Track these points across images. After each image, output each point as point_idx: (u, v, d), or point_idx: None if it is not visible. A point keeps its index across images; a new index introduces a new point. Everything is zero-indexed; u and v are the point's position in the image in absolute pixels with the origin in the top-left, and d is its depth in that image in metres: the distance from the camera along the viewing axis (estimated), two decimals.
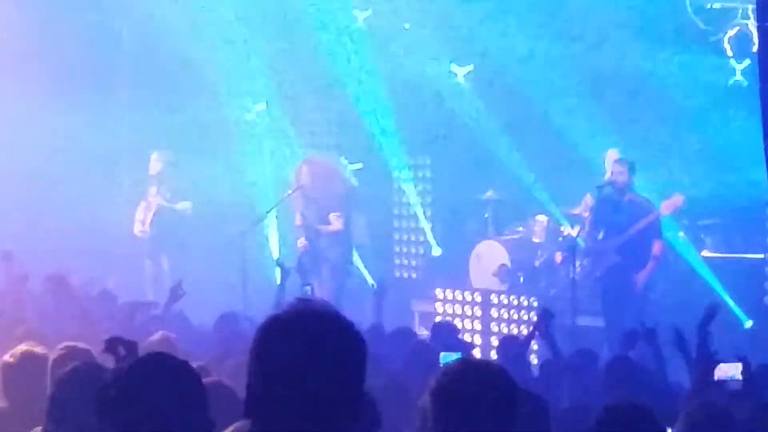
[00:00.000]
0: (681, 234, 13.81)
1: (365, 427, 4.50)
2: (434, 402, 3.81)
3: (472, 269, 15.04)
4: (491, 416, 3.76)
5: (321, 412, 2.81)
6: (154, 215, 15.12)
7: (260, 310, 9.36)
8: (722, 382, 6.84)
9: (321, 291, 13.17)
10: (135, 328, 8.94)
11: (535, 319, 11.81)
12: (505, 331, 13.94)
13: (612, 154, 13.62)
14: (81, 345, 6.11)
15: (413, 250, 16.84)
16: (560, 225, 14.67)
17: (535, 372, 8.89)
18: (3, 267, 10.96)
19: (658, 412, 4.65)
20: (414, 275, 16.69)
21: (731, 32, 14.43)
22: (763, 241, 13.80)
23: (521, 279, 14.76)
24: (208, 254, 14.58)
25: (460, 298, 14.77)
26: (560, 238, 14.56)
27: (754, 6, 12.39)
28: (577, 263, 12.91)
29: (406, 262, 16.87)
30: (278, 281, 11.52)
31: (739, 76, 14.35)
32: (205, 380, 3.79)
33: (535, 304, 13.81)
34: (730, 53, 14.46)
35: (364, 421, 2.95)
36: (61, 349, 5.96)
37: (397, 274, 16.49)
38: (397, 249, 16.96)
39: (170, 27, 15.54)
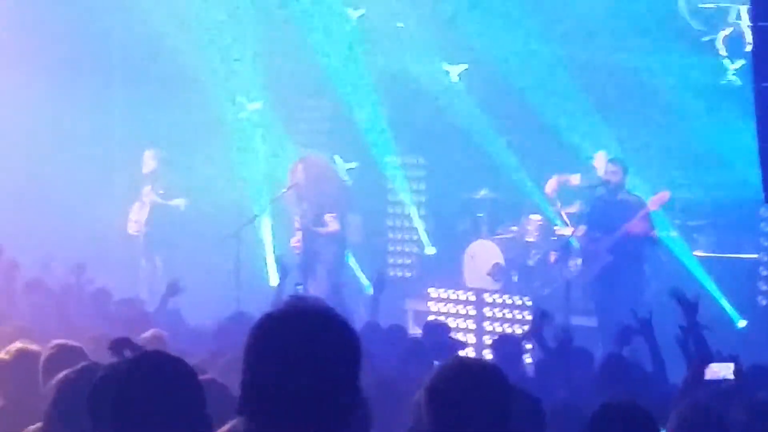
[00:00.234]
0: (674, 233, 13.83)
1: (357, 425, 4.50)
2: (429, 401, 3.82)
3: (466, 268, 15.04)
4: (485, 415, 3.77)
5: (315, 409, 2.81)
6: (148, 213, 15.11)
7: (253, 308, 9.36)
8: (713, 382, 6.84)
9: (316, 290, 13.15)
10: (127, 326, 8.91)
11: (529, 318, 11.84)
12: (498, 330, 13.96)
13: (601, 156, 13.69)
14: (72, 343, 6.10)
15: (407, 249, 16.83)
16: (554, 224, 14.68)
17: (530, 371, 8.90)
18: None
19: (653, 410, 4.66)
20: (408, 274, 16.68)
21: (725, 32, 14.45)
22: (755, 240, 13.83)
23: (515, 278, 14.76)
24: (201, 253, 14.58)
25: (453, 297, 14.79)
26: (554, 238, 14.57)
27: (748, 6, 12.42)
28: (571, 263, 12.94)
29: (399, 261, 16.86)
30: (276, 280, 11.50)
31: (732, 76, 14.36)
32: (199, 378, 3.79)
33: (529, 303, 13.83)
34: (723, 53, 14.47)
35: (356, 419, 2.95)
36: (52, 347, 5.95)
37: (391, 273, 16.48)
38: (391, 248, 16.96)
39: (163, 26, 15.54)
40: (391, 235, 16.96)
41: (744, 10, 13.98)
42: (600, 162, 13.74)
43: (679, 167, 14.39)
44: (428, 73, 15.86)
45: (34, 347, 6.28)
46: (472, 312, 14.57)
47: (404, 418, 4.78)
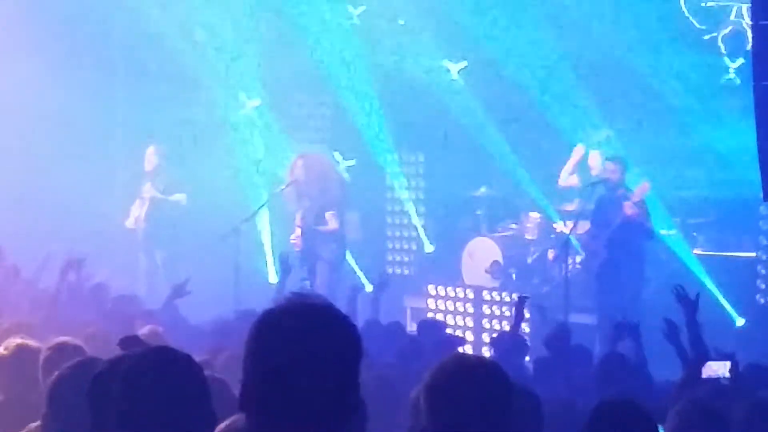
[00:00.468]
0: (673, 231, 13.83)
1: (354, 422, 4.50)
2: (428, 398, 3.81)
3: (465, 266, 15.04)
4: (485, 412, 3.76)
5: (316, 406, 2.81)
6: (148, 209, 15.10)
7: (251, 305, 9.36)
8: (710, 380, 6.84)
9: (316, 287, 13.15)
10: (125, 323, 8.91)
11: (527, 317, 11.86)
12: (497, 327, 13.96)
13: (596, 155, 13.71)
14: (72, 341, 6.09)
15: (406, 247, 16.84)
16: (553, 222, 14.68)
17: (529, 368, 8.90)
18: None
19: (652, 408, 4.66)
20: (406, 272, 16.68)
21: (725, 31, 14.45)
22: (755, 239, 13.83)
23: (514, 276, 14.76)
24: (201, 249, 14.56)
25: (452, 294, 14.79)
26: (553, 235, 14.57)
27: (748, 5, 12.42)
28: (570, 260, 12.96)
29: (398, 258, 16.87)
30: (275, 276, 11.48)
31: (732, 75, 14.36)
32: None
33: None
34: (724, 52, 14.47)
35: (354, 417, 2.95)
36: (53, 346, 5.94)
37: (390, 271, 16.48)
38: (390, 245, 16.96)
39: (164, 22, 15.53)
40: (389, 233, 16.96)
41: (745, 8, 13.98)
42: (594, 161, 13.76)
43: (679, 165, 14.39)
44: (428, 71, 15.86)
45: (32, 343, 6.27)
46: (471, 309, 14.57)
47: (402, 416, 4.77)
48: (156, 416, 3.34)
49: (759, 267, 13.65)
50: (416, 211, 16.47)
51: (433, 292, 14.94)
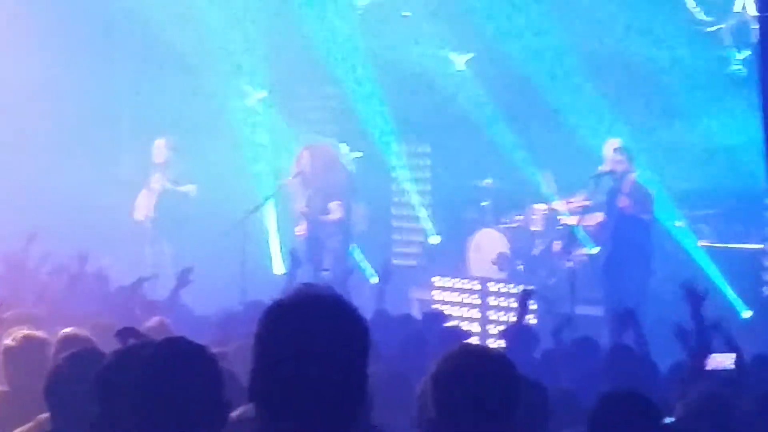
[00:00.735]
0: (680, 223, 13.82)
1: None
2: (435, 388, 3.82)
3: (471, 257, 15.04)
4: (491, 403, 3.77)
5: (324, 396, 2.82)
6: (157, 200, 15.10)
7: (258, 296, 9.36)
8: (715, 372, 6.85)
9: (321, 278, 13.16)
10: (132, 313, 8.93)
11: (534, 308, 11.86)
12: (503, 319, 13.94)
13: (612, 143, 13.61)
14: (82, 333, 6.11)
15: (411, 238, 16.83)
16: (558, 214, 14.66)
17: (536, 360, 8.91)
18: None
19: (659, 400, 4.66)
20: (412, 263, 16.66)
21: (731, 22, 14.42)
22: (761, 231, 13.81)
23: (520, 267, 14.75)
24: (208, 241, 14.56)
25: (458, 286, 14.79)
26: (559, 227, 14.55)
27: None
28: (575, 252, 12.95)
29: (404, 250, 16.86)
30: (281, 268, 11.47)
31: (738, 67, 14.33)
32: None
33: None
34: (729, 43, 14.44)
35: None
36: (60, 339, 5.96)
37: (396, 262, 16.47)
38: (396, 237, 16.96)
39: (171, 13, 15.54)
40: (395, 224, 16.96)
41: (750, 0, 13.96)
42: (609, 150, 13.69)
43: (685, 157, 14.36)
44: (434, 62, 15.84)
45: (39, 334, 6.29)
46: (477, 301, 14.56)
47: (408, 406, 4.78)
48: (171, 406, 3.35)
49: (765, 259, 13.64)
50: (422, 202, 16.46)
51: (439, 284, 14.94)
